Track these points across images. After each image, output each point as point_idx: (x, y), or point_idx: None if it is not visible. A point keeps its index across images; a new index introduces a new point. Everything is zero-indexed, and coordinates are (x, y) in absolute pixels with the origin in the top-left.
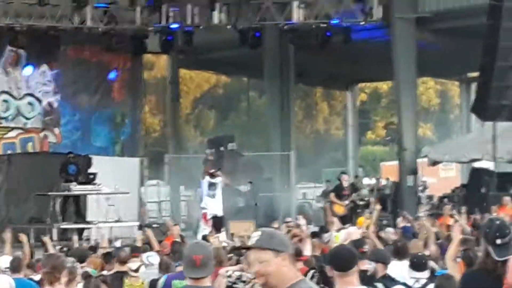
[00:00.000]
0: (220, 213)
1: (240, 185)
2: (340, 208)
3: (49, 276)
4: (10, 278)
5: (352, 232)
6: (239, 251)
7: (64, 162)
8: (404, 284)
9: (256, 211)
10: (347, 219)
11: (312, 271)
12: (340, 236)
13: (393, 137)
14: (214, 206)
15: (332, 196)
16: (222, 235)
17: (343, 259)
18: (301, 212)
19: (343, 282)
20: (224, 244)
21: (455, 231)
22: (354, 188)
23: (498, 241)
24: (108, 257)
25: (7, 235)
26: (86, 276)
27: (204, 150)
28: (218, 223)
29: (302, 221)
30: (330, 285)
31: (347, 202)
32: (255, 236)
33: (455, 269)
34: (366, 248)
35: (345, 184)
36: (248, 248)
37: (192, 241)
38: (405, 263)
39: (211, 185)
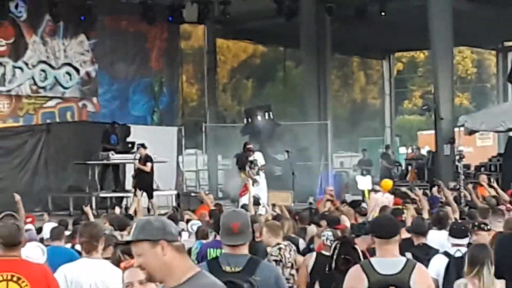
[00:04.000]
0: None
1: (277, 154)
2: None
3: (87, 245)
4: (41, 244)
5: (378, 198)
6: None
7: (106, 131)
8: (445, 252)
9: (293, 180)
10: None
11: (335, 242)
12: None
13: (430, 106)
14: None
15: None
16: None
17: (385, 227)
18: (340, 182)
19: (384, 250)
20: (262, 213)
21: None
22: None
23: None
24: None
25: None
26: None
27: (242, 119)
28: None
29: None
30: (353, 256)
31: None
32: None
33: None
34: (404, 216)
35: None
36: (128, 243)
37: (230, 209)
38: (445, 232)
39: (251, 163)
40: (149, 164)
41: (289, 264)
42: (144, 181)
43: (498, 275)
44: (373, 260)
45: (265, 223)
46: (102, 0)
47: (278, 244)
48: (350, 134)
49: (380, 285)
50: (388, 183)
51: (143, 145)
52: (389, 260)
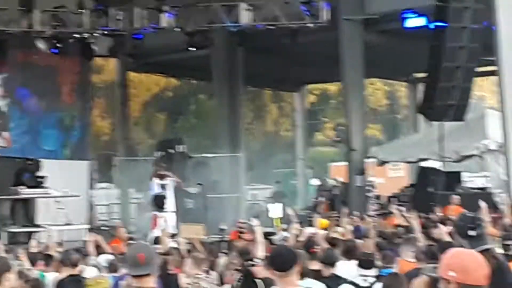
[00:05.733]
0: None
1: (189, 187)
2: None
3: None
4: None
5: (309, 232)
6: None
7: (19, 169)
8: (352, 282)
9: (205, 213)
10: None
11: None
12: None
13: (342, 138)
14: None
15: None
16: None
17: (282, 259)
18: (251, 213)
19: (283, 282)
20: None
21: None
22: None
23: (471, 233)
24: (56, 260)
25: None
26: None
27: (154, 153)
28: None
29: (255, 222)
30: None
31: None
32: None
33: None
34: (318, 248)
35: None
36: None
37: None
38: (354, 262)
39: (162, 187)
40: None
41: None
42: None
43: None
44: None
45: (191, 254)
46: (12, 33)
47: (197, 274)
48: (263, 166)
49: None
50: (324, 222)
51: None
52: None
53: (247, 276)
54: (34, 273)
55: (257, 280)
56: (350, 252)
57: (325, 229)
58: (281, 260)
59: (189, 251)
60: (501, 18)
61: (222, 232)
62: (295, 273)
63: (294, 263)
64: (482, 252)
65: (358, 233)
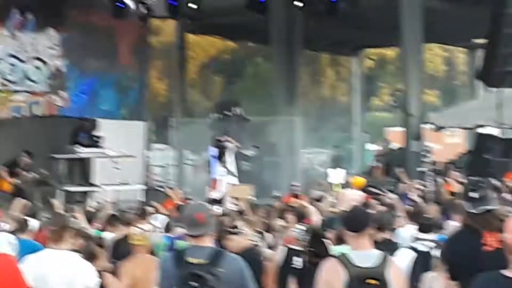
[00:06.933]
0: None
1: (245, 150)
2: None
3: (55, 235)
4: (11, 236)
5: (349, 194)
6: None
7: (75, 129)
8: (411, 247)
9: (261, 176)
10: None
11: (305, 233)
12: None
13: (399, 103)
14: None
15: None
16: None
17: (356, 220)
18: (308, 177)
19: (357, 243)
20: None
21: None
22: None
23: (471, 194)
24: (113, 220)
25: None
26: (86, 237)
27: (210, 115)
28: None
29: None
30: (320, 248)
31: None
32: None
33: None
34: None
35: None
36: None
37: (193, 202)
38: (413, 227)
39: (221, 151)
40: None
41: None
42: None
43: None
44: (348, 253)
45: (241, 216)
46: None
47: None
48: (319, 131)
49: (359, 278)
50: (360, 180)
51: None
52: (364, 252)
53: (315, 236)
54: (91, 231)
55: (325, 240)
56: (414, 217)
57: (361, 188)
58: (356, 221)
59: (240, 212)
60: None
61: (276, 199)
62: (368, 234)
63: (367, 225)
64: (484, 213)
65: (405, 199)
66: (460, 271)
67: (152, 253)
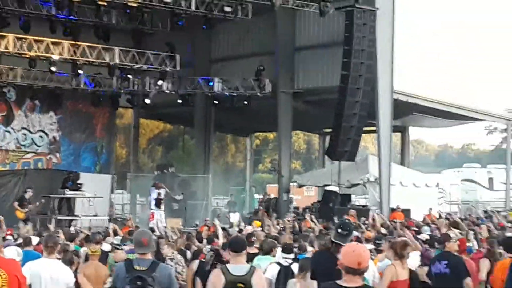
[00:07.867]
0: (163, 208)
1: (175, 195)
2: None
3: (49, 249)
4: (18, 248)
5: (249, 229)
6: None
7: (65, 178)
8: (277, 262)
9: (185, 213)
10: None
11: (211, 252)
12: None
13: (276, 169)
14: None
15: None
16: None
17: (237, 243)
18: (215, 215)
19: (235, 260)
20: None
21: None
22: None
23: (339, 230)
24: (87, 239)
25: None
26: (67, 250)
27: (154, 172)
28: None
29: (217, 221)
30: (222, 262)
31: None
32: None
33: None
34: (254, 239)
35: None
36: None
37: (141, 229)
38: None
39: (158, 194)
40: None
41: (180, 263)
42: None
43: (312, 277)
44: (228, 265)
45: (165, 240)
46: (66, 90)
47: (172, 252)
48: (223, 184)
49: (232, 282)
50: (258, 223)
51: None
52: (239, 266)
53: (217, 255)
54: (71, 246)
55: (223, 258)
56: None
57: (260, 227)
58: (236, 244)
59: (171, 237)
60: (379, 98)
61: (195, 226)
62: (244, 254)
63: (244, 247)
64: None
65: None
66: (318, 274)
67: (102, 260)
